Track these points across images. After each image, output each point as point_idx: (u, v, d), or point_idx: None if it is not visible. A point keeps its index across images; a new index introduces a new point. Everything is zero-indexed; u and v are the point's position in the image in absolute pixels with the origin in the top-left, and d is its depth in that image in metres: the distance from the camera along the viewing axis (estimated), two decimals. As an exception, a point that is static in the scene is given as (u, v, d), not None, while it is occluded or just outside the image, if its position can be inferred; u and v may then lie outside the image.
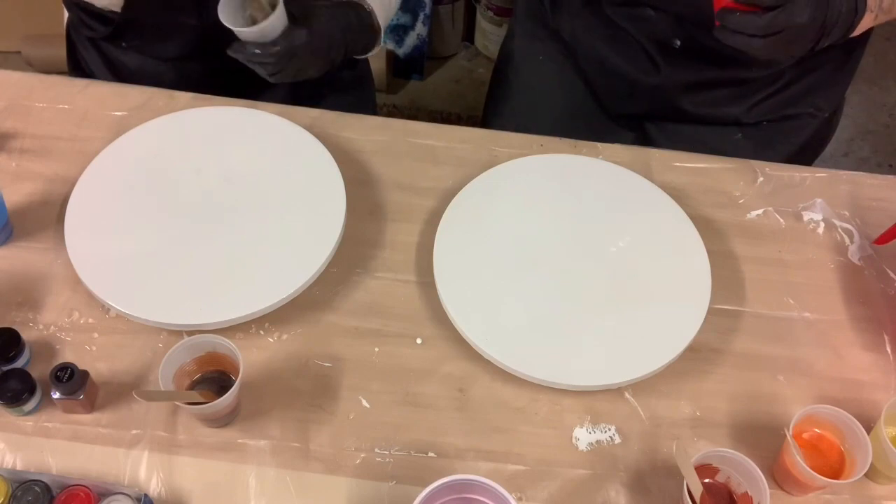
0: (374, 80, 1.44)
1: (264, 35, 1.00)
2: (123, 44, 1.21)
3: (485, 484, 0.77)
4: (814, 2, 0.90)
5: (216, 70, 1.13)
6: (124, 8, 1.12)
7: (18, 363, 0.90)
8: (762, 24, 0.90)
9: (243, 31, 1.00)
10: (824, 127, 1.25)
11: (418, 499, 0.75)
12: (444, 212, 1.04)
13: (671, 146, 1.18)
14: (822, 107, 1.21)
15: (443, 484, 0.76)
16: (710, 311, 0.97)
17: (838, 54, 1.08)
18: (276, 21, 0.99)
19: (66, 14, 1.27)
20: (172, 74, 1.19)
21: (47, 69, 1.22)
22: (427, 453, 0.89)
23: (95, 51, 1.24)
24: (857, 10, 0.94)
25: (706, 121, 1.22)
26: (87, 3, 1.13)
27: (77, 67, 1.30)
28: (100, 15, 1.15)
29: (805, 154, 1.27)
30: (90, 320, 0.96)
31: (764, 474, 0.81)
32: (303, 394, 0.92)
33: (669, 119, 1.24)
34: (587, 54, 1.26)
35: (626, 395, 0.94)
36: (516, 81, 1.34)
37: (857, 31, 0.96)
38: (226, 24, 0.98)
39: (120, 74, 1.23)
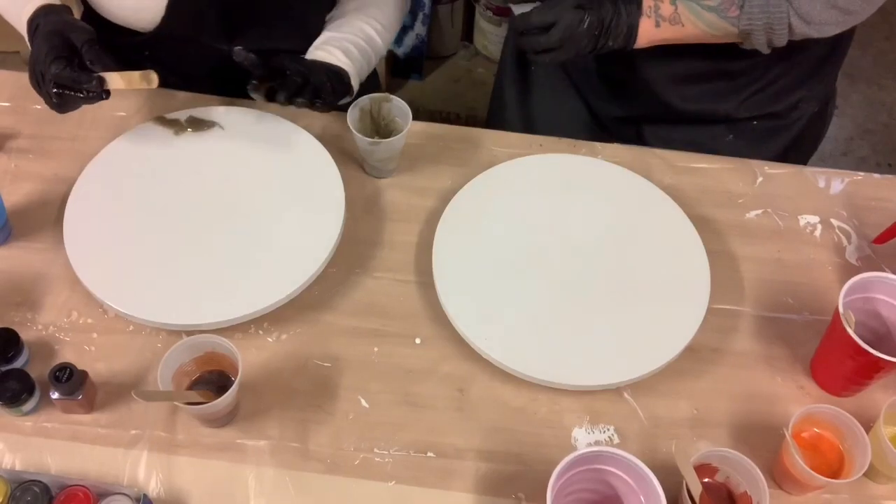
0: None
1: None
2: (146, 52, 1.20)
3: (615, 454, 0.78)
4: (580, 10, 1.00)
5: (225, 90, 1.15)
6: (156, 29, 1.12)
7: (17, 363, 0.90)
8: (535, 17, 1.01)
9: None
10: (817, 121, 1.25)
11: (557, 468, 0.77)
12: (443, 212, 1.04)
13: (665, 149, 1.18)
14: (811, 100, 1.21)
15: (579, 455, 0.78)
16: (710, 311, 0.97)
17: (822, 46, 1.09)
18: None
19: (79, 10, 1.27)
20: (182, 86, 1.20)
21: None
22: (426, 453, 0.89)
23: (111, 56, 1.24)
24: (631, 14, 1.03)
25: (698, 119, 1.22)
26: (118, 23, 1.13)
27: (85, 67, 1.29)
28: (129, 29, 1.15)
29: (799, 150, 1.27)
30: (89, 320, 0.96)
31: (763, 474, 0.81)
32: (302, 394, 0.92)
33: (662, 121, 1.24)
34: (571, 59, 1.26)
35: (625, 394, 0.94)
36: (511, 95, 1.35)
37: (644, 38, 1.04)
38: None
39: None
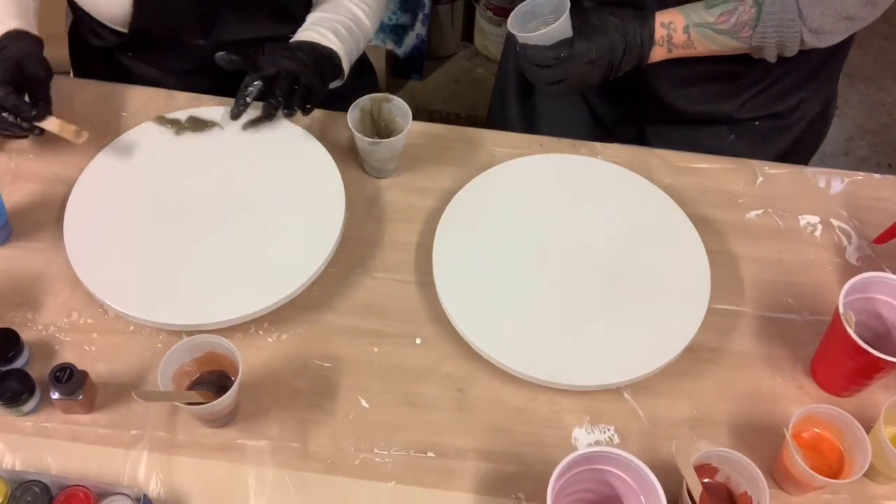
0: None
1: (546, 40, 1.02)
2: (130, 53, 1.21)
3: (615, 454, 0.79)
4: (592, 52, 1.02)
5: (220, 84, 1.15)
6: (131, 26, 1.13)
7: (17, 363, 0.90)
8: (548, 75, 1.04)
9: (525, 35, 1.03)
10: (817, 122, 1.26)
11: (557, 468, 0.77)
12: (443, 212, 1.04)
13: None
14: (812, 100, 1.21)
15: (579, 455, 0.78)
16: (710, 311, 0.97)
17: (824, 48, 1.09)
18: (560, 27, 1.01)
19: (69, 16, 1.27)
20: (176, 84, 1.20)
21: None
22: (426, 453, 0.89)
23: (99, 56, 1.24)
24: (643, 45, 1.05)
25: (700, 120, 1.22)
26: (96, 17, 1.14)
27: (80, 70, 1.30)
28: (110, 27, 1.16)
29: (801, 151, 1.27)
30: (89, 320, 0.96)
31: (763, 474, 0.81)
32: (302, 394, 0.92)
33: (664, 121, 1.25)
34: None
35: (626, 395, 0.94)
36: (513, 94, 1.35)
37: (655, 60, 1.08)
38: (511, 30, 1.03)
39: (122, 78, 1.23)
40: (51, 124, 0.99)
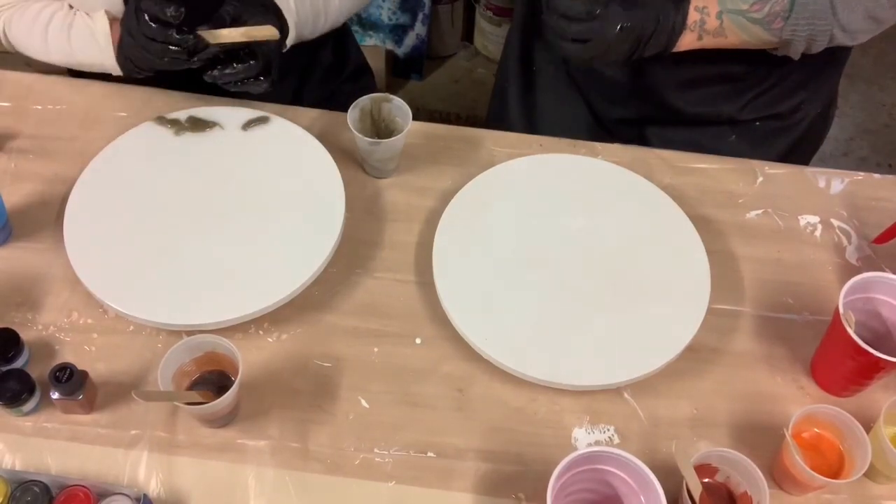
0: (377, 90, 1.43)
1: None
2: None
3: (615, 454, 0.79)
4: (624, 18, 0.97)
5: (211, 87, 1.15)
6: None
7: (17, 363, 0.90)
8: (574, 30, 0.98)
9: None
10: (818, 123, 1.26)
11: (557, 468, 0.77)
12: (443, 212, 1.04)
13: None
14: (814, 101, 1.21)
15: (579, 455, 0.78)
16: (710, 311, 0.97)
17: (825, 49, 1.09)
18: None
19: None
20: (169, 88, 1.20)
21: (47, 69, 1.22)
22: (426, 453, 0.89)
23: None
24: (675, 29, 1.02)
25: (701, 121, 1.22)
26: None
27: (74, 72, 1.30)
28: None
29: (801, 151, 1.27)
30: (89, 320, 0.96)
31: (763, 474, 0.81)
32: (302, 394, 0.92)
33: (665, 122, 1.25)
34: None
35: (626, 395, 0.94)
36: (514, 95, 1.35)
37: (682, 48, 1.04)
38: None
39: (120, 79, 1.23)
40: (231, 36, 0.96)
